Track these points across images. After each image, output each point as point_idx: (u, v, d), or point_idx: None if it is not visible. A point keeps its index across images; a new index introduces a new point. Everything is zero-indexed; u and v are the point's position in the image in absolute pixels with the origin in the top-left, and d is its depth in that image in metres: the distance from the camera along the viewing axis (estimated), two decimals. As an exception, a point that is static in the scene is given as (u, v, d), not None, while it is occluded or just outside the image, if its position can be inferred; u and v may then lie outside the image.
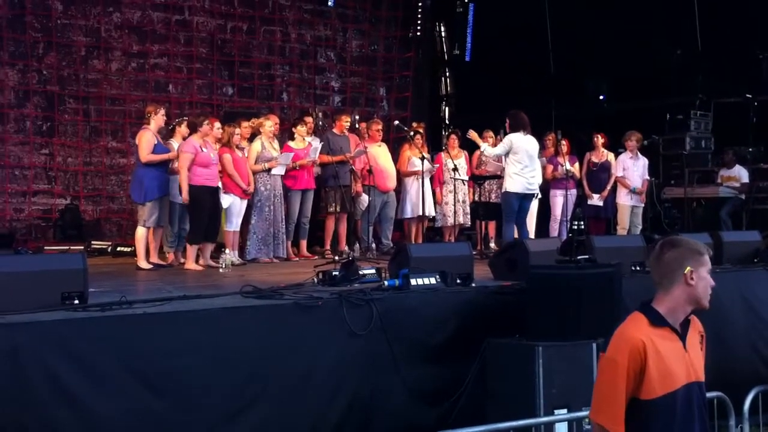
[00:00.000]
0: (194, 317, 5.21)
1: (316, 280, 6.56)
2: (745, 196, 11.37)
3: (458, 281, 6.43)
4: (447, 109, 15.89)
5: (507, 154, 9.37)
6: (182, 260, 9.01)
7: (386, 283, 6.22)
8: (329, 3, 14.35)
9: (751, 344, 7.46)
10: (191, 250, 8.74)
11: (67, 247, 10.13)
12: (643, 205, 11.17)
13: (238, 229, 9.53)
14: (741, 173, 11.42)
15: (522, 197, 9.40)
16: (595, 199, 11.15)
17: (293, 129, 10.40)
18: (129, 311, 5.08)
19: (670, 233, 9.26)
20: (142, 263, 8.67)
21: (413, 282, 6.09)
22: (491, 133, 11.16)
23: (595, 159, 11.30)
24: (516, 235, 9.33)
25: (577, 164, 11.31)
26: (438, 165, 11.25)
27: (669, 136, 12.18)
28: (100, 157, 12.42)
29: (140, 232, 8.76)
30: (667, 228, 11.44)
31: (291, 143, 10.23)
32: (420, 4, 15.39)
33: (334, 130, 10.75)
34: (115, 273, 8.36)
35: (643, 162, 11.18)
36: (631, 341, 3.05)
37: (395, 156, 11.28)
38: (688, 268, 3.10)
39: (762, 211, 11.28)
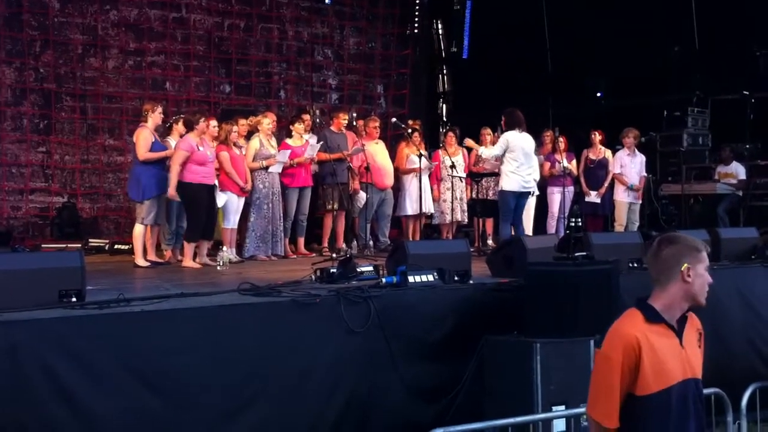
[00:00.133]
0: (192, 315, 5.21)
1: (313, 277, 6.56)
2: (742, 193, 11.38)
3: (456, 278, 6.44)
4: (444, 106, 15.86)
5: (504, 153, 9.37)
6: (180, 258, 9.01)
7: (384, 280, 6.22)
8: (326, 0, 14.33)
9: (749, 341, 7.47)
10: (189, 247, 8.73)
11: (65, 245, 10.12)
12: (640, 201, 11.18)
13: (235, 226, 9.53)
14: (738, 170, 11.43)
15: (518, 195, 9.40)
16: (593, 196, 11.16)
17: (291, 126, 10.39)
18: (126, 309, 5.09)
19: (667, 230, 9.31)
20: (140, 261, 8.67)
21: (411, 279, 6.10)
22: (489, 131, 11.16)
23: (592, 156, 11.31)
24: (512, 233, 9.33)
25: (574, 161, 11.32)
26: (436, 162, 11.25)
27: (666, 133, 12.19)
28: (97, 154, 12.39)
29: (138, 229, 8.76)
30: (664, 225, 11.46)
31: (288, 141, 10.22)
32: (417, 1, 15.35)
33: (332, 128, 10.74)
34: (113, 271, 8.35)
35: (640, 159, 11.19)
36: (626, 337, 3.06)
37: (393, 153, 11.28)
38: (686, 264, 3.10)
39: (759, 207, 11.28)
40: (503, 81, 13.53)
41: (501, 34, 14.17)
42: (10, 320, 4.63)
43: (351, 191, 10.53)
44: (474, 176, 11.05)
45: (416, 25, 15.39)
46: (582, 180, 11.30)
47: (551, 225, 11.17)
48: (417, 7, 15.37)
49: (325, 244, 10.49)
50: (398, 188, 11.17)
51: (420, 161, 10.50)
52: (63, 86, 12.14)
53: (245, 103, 13.43)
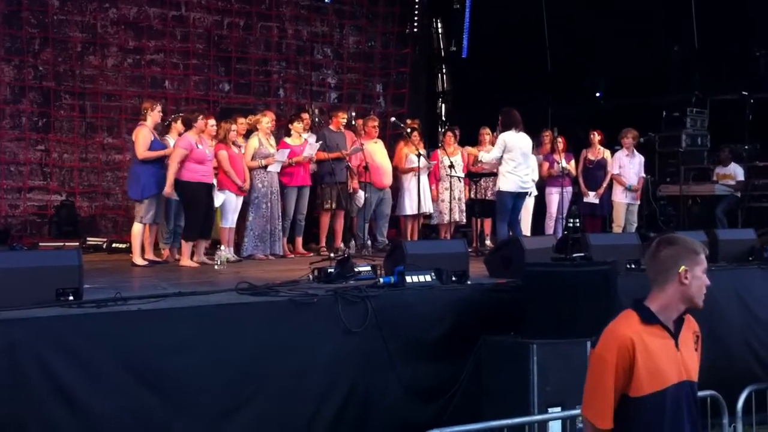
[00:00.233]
0: (189, 314, 5.22)
1: (311, 277, 6.56)
2: (740, 194, 11.37)
3: (454, 278, 6.45)
4: (444, 105, 15.86)
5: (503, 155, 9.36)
6: (177, 257, 9.01)
7: (382, 280, 6.22)
8: (326, -1, 14.35)
9: (746, 343, 7.46)
10: (186, 246, 8.73)
11: (63, 244, 10.14)
12: (638, 202, 11.18)
13: (233, 225, 9.52)
14: (737, 171, 11.42)
15: (516, 196, 9.38)
16: (591, 197, 11.15)
17: (290, 125, 10.38)
18: (124, 308, 5.09)
19: (665, 231, 9.31)
20: (138, 260, 8.66)
21: (409, 279, 6.10)
22: (488, 130, 11.16)
23: (591, 156, 11.30)
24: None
25: (573, 161, 11.30)
26: (434, 162, 11.25)
27: (665, 134, 12.17)
28: (95, 153, 12.39)
29: (136, 228, 8.75)
30: (662, 226, 11.45)
31: (287, 139, 10.22)
32: (417, 0, 15.38)
33: (331, 127, 10.74)
34: (110, 269, 8.35)
35: (639, 159, 11.19)
36: (620, 338, 3.06)
37: (391, 153, 11.27)
38: (683, 267, 3.09)
39: (757, 208, 11.27)
40: (503, 80, 13.54)
41: (500, 34, 14.17)
42: (8, 318, 4.63)
43: (349, 191, 10.52)
44: (473, 176, 11.04)
45: (416, 23, 15.40)
46: (580, 180, 11.29)
47: (549, 225, 11.16)
48: (417, 6, 15.38)
49: (323, 244, 10.49)
50: (397, 188, 11.16)
51: (419, 161, 10.50)
52: (62, 84, 12.15)
53: (244, 101, 13.42)
